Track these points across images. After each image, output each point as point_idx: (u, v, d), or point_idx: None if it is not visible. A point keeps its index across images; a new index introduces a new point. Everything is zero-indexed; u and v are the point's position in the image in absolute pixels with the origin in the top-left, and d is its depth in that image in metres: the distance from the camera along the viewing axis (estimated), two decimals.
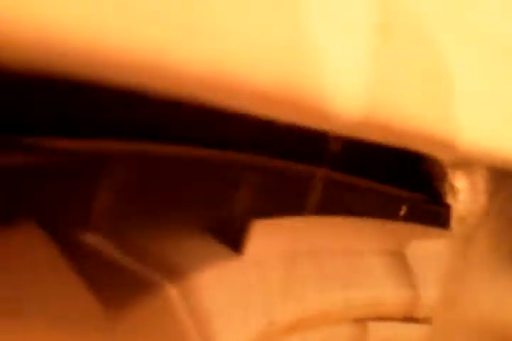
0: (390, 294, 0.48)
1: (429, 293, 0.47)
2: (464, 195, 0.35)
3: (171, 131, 0.45)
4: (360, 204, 0.48)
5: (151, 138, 0.48)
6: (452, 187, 0.36)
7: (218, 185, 0.49)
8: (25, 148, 0.46)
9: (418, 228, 0.49)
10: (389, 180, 0.54)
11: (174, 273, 0.32)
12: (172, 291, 0.31)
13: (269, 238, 0.39)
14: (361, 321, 0.48)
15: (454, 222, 0.37)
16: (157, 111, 0.40)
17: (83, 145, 0.50)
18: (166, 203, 0.43)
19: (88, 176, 0.42)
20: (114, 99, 0.43)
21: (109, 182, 0.42)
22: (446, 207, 0.45)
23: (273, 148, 0.45)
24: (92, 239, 0.33)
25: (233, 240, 0.38)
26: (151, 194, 0.43)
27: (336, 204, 0.46)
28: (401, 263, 0.47)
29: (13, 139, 0.44)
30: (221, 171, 0.50)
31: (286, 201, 0.42)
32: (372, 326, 0.48)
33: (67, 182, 0.36)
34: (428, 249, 0.48)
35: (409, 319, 0.48)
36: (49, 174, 0.37)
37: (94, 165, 0.44)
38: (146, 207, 0.41)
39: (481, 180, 0.34)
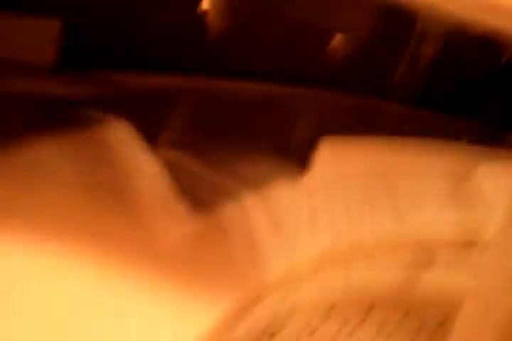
0: (452, 217, 0.48)
1: (496, 218, 0.47)
2: None
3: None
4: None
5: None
6: None
7: (282, 114, 0.50)
8: (95, 80, 0.48)
9: (488, 150, 0.48)
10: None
11: (250, 184, 0.34)
12: (249, 200, 0.33)
13: (338, 156, 0.40)
14: (425, 245, 0.48)
15: None
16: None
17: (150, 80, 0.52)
18: (237, 129, 0.44)
19: (163, 105, 0.44)
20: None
21: (185, 108, 0.44)
22: None
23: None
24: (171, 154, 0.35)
25: (302, 158, 0.39)
26: (222, 123, 0.45)
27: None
28: (468, 186, 0.47)
29: (84, 72, 0.46)
30: (283, 104, 0.51)
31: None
32: (437, 252, 0.49)
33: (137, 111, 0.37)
34: (498, 172, 0.47)
35: (472, 243, 0.48)
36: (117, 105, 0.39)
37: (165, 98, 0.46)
38: (219, 131, 0.43)
39: None
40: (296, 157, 0.41)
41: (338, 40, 0.59)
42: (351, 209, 0.41)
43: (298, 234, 0.36)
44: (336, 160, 0.40)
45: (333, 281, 0.37)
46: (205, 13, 0.52)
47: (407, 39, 0.59)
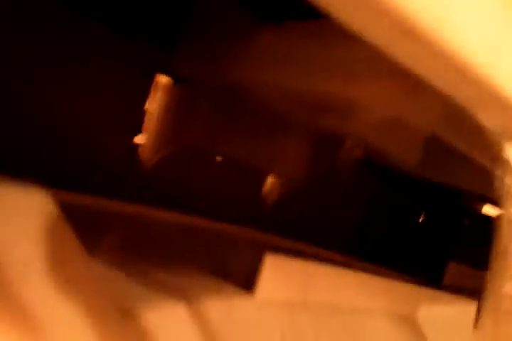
0: None
1: None
2: None
3: None
4: None
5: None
6: None
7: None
8: None
9: (429, 292, 0.48)
10: None
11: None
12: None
13: (280, 279, 0.37)
14: None
15: None
16: None
17: None
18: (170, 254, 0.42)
19: None
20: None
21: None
22: None
23: None
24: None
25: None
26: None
27: None
28: (412, 327, 0.45)
29: None
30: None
31: None
32: None
33: None
34: (440, 314, 0.46)
35: None
36: None
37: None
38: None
39: None
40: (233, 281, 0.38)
41: (270, 183, 0.59)
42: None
43: None
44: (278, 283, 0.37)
45: None
46: (138, 146, 0.52)
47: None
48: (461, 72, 0.23)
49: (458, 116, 0.28)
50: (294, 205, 0.61)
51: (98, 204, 0.45)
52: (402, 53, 0.23)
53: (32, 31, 0.44)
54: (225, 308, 0.33)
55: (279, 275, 0.37)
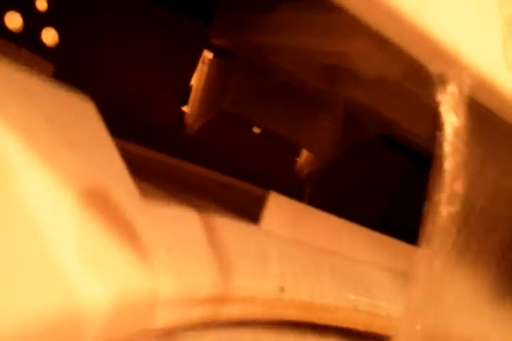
0: (396, 311, 0.49)
1: None
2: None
3: None
4: None
5: None
6: None
7: None
8: None
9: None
10: None
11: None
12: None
13: (284, 215, 0.43)
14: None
15: None
16: None
17: None
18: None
19: None
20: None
21: None
22: None
23: None
24: None
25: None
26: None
27: None
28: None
29: None
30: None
31: None
32: None
33: None
34: None
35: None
36: None
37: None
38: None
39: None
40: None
41: (304, 156, 0.65)
42: (301, 269, 0.42)
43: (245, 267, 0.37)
44: (286, 220, 0.43)
45: None
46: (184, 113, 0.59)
47: None
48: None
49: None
50: (326, 179, 0.66)
51: (147, 155, 0.53)
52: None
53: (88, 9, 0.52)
54: (233, 226, 0.38)
55: (282, 212, 0.43)
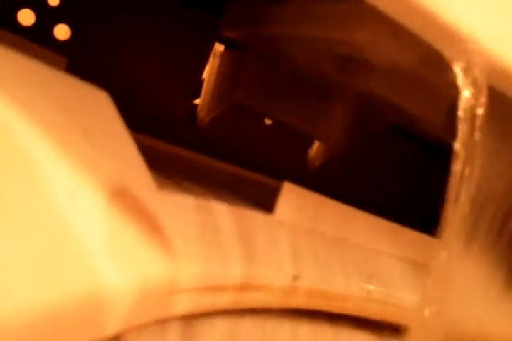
0: (410, 301, 0.49)
1: None
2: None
3: None
4: None
5: None
6: None
7: None
8: None
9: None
10: None
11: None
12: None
13: (298, 205, 0.43)
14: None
15: None
16: None
17: None
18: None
19: None
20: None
21: None
22: None
23: None
24: None
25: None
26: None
27: None
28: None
29: None
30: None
31: None
32: None
33: None
34: None
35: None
36: None
37: None
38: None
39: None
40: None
41: (316, 146, 0.65)
42: (315, 257, 0.43)
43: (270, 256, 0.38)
44: (301, 210, 0.43)
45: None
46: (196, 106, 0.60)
47: None
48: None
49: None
50: (338, 169, 0.67)
51: (160, 147, 0.54)
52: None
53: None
54: (249, 217, 0.38)
55: (296, 202, 0.43)
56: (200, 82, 0.59)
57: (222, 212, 0.36)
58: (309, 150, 0.66)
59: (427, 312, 0.38)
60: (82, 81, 0.30)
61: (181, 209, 0.32)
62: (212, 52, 0.58)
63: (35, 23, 0.51)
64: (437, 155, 0.71)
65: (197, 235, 0.31)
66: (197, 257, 0.30)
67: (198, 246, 0.30)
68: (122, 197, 0.26)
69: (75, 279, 0.24)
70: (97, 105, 0.30)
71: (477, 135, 0.34)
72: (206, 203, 0.35)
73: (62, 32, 0.54)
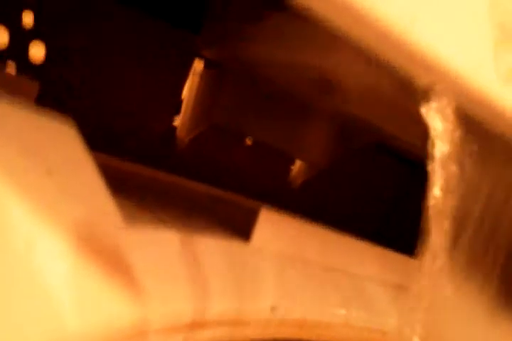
0: (391, 325, 0.48)
1: None
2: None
3: None
4: None
5: None
6: None
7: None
8: None
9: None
10: None
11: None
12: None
13: (275, 231, 0.42)
14: None
15: None
16: None
17: None
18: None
19: None
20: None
21: None
22: None
23: None
24: None
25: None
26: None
27: None
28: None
29: None
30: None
31: None
32: None
33: None
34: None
35: None
36: None
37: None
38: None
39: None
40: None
41: (298, 166, 0.65)
42: (293, 285, 0.42)
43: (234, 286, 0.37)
44: (274, 234, 0.42)
45: None
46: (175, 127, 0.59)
47: None
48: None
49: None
50: (320, 188, 0.66)
51: (135, 169, 0.53)
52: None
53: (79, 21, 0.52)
54: (217, 246, 0.37)
55: (274, 228, 0.42)
56: (180, 101, 0.58)
57: (187, 245, 0.35)
58: (291, 169, 0.65)
59: (408, 336, 0.37)
60: (48, 113, 0.29)
61: (153, 245, 0.31)
62: (192, 70, 0.58)
63: (8, 44, 0.50)
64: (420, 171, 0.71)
65: (160, 271, 0.30)
66: (160, 295, 0.29)
67: (162, 283, 0.30)
68: (87, 240, 0.25)
69: (37, 328, 0.23)
70: (63, 140, 0.29)
71: (452, 157, 0.34)
72: (171, 236, 0.34)
73: (37, 53, 0.53)
